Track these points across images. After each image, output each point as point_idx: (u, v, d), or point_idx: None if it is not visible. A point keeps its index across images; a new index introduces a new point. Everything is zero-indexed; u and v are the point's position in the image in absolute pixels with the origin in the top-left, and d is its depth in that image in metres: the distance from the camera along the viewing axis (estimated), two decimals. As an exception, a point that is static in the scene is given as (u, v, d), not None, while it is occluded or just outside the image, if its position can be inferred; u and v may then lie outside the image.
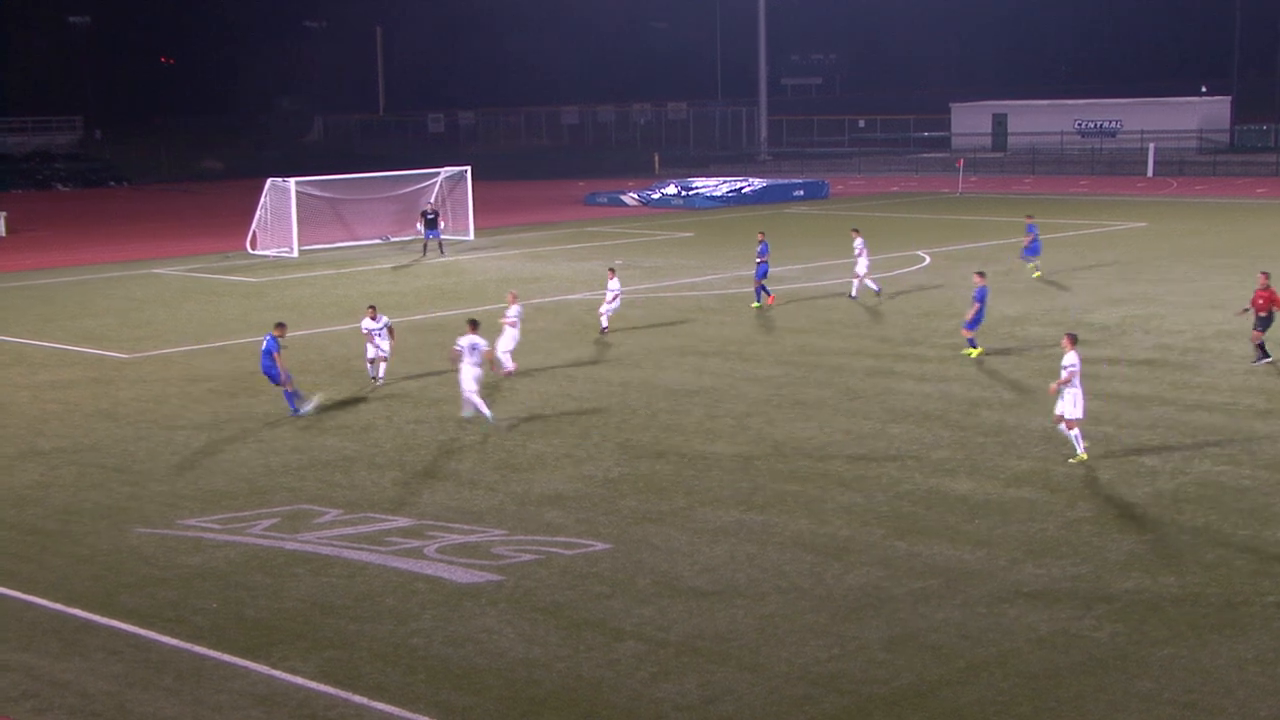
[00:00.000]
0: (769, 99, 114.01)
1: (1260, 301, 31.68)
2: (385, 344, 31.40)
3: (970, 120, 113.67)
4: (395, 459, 25.32)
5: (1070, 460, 23.94)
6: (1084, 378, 30.27)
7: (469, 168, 64.86)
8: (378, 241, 61.70)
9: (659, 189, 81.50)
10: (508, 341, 31.76)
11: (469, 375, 27.32)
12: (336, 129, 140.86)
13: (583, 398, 29.93)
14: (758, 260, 41.11)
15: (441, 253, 55.85)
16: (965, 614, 17.53)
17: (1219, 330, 35.51)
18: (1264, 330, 31.57)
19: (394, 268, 53.06)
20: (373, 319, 31.35)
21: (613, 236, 62.51)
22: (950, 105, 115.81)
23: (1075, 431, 23.86)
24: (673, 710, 15.10)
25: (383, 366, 31.65)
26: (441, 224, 57.31)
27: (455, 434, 26.99)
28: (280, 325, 28.92)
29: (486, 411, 27.51)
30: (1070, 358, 23.70)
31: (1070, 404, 23.68)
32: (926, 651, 16.38)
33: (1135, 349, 31.12)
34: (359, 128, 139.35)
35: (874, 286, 42.06)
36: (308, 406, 29.05)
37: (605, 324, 37.34)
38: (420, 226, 56.64)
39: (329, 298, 45.26)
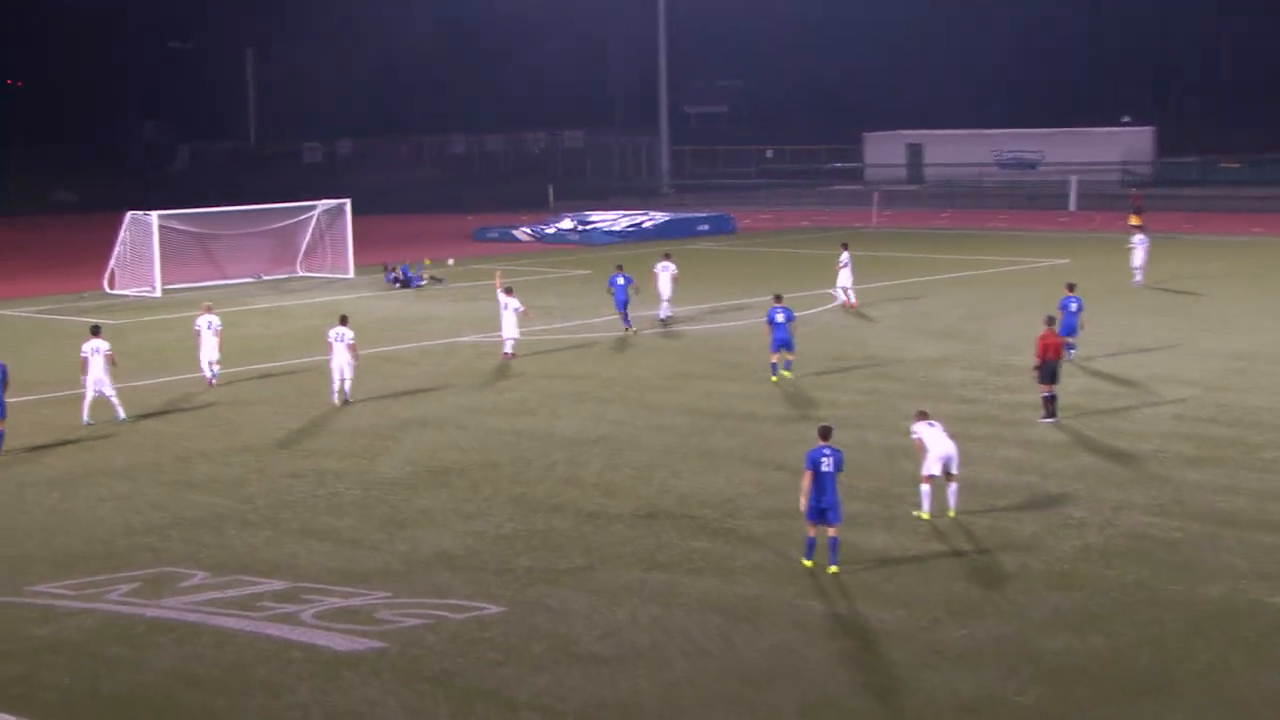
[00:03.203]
0: (671, 128, 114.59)
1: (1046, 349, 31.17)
2: (347, 357, 34.20)
3: (884, 150, 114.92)
4: (269, 516, 25.11)
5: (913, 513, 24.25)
6: (1009, 423, 30.68)
7: (348, 201, 64.44)
8: (249, 280, 61.20)
9: (553, 223, 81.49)
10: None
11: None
12: (204, 158, 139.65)
13: (473, 448, 29.82)
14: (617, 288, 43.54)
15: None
16: (884, 679, 17.62)
17: (1150, 374, 36.12)
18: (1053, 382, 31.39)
19: (266, 309, 52.61)
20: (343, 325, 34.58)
21: (505, 274, 62.23)
22: (862, 135, 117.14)
23: (925, 488, 24.20)
24: (572, 787, 15.00)
25: (349, 382, 34.36)
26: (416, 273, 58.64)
27: (335, 488, 26.84)
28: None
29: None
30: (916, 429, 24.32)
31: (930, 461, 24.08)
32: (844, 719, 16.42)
33: (1061, 392, 31.53)
34: (229, 157, 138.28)
35: (851, 299, 47.19)
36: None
37: (510, 350, 39.51)
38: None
39: (192, 342, 44.36)
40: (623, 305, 43.74)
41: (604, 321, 46.17)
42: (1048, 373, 31.06)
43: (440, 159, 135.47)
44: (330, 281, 61.00)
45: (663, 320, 45.59)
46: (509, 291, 40.27)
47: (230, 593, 21.10)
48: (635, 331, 43.81)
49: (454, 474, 27.73)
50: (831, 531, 21.59)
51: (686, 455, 28.82)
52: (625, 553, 22.64)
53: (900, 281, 55.96)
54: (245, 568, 22.22)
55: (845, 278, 48.36)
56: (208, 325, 37.13)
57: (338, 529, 24.29)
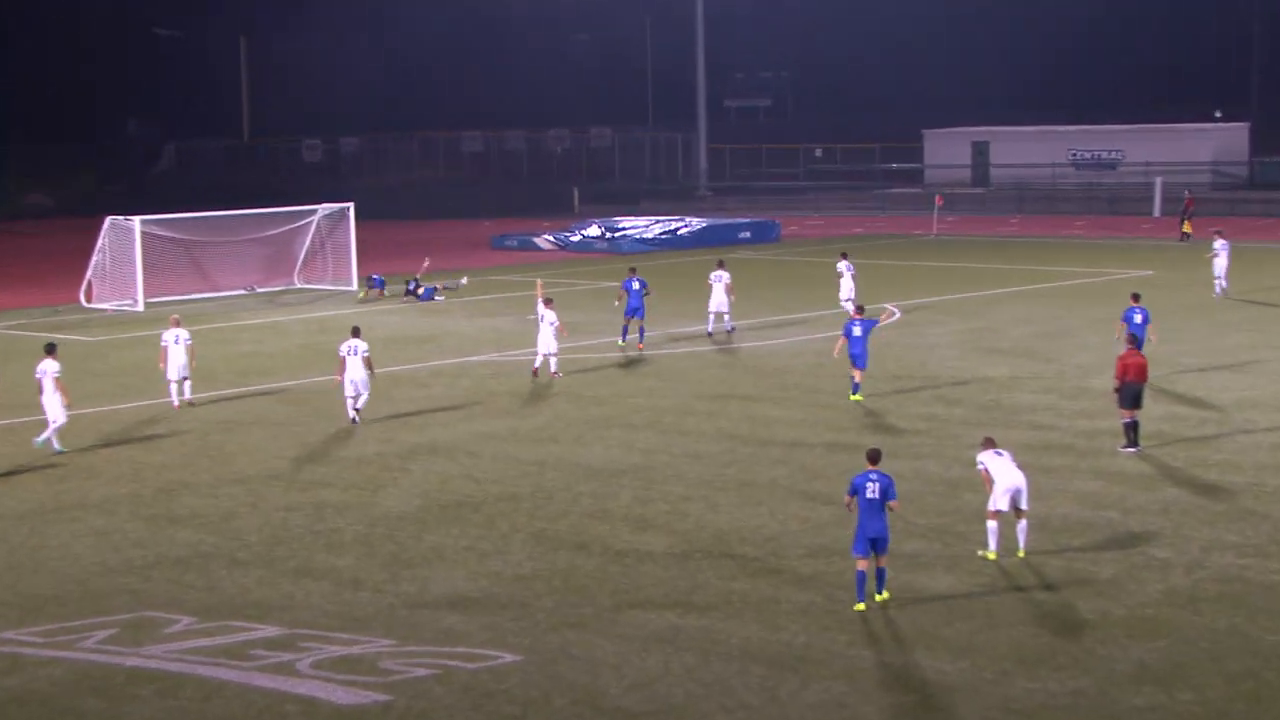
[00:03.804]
0: (710, 124, 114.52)
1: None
2: (362, 373, 34.65)
3: (947, 149, 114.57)
4: (262, 554, 25.10)
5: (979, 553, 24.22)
6: (1085, 452, 30.51)
7: (351, 205, 64.68)
8: (242, 292, 61.38)
9: (579, 230, 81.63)
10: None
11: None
12: (192, 157, 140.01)
13: (489, 479, 29.81)
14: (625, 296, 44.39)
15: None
16: (946, 737, 17.53)
17: (1240, 398, 35.92)
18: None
19: (265, 324, 52.78)
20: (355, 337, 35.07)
21: (524, 287, 62.35)
22: (923, 132, 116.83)
23: (992, 524, 24.11)
24: None
25: (363, 399, 34.96)
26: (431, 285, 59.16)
27: (335, 523, 26.83)
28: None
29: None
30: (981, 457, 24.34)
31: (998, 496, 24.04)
32: (901, 783, 16.37)
33: (1144, 419, 31.36)
34: (219, 156, 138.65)
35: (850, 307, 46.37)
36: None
37: (554, 367, 40.20)
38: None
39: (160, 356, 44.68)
40: (633, 313, 44.33)
41: (635, 339, 46.01)
42: (1129, 397, 30.84)
43: (454, 158, 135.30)
44: (331, 294, 61.16)
45: (727, 332, 46.93)
46: (549, 303, 40.61)
47: (218, 639, 21.08)
48: (637, 349, 44.30)
49: (467, 508, 27.74)
50: (880, 562, 21.87)
51: (725, 487, 28.79)
52: (657, 595, 22.60)
53: (964, 295, 55.81)
54: (235, 612, 22.21)
55: (846, 288, 49.46)
56: (175, 339, 37.37)
57: (338, 568, 24.28)
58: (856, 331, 36.23)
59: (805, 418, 34.89)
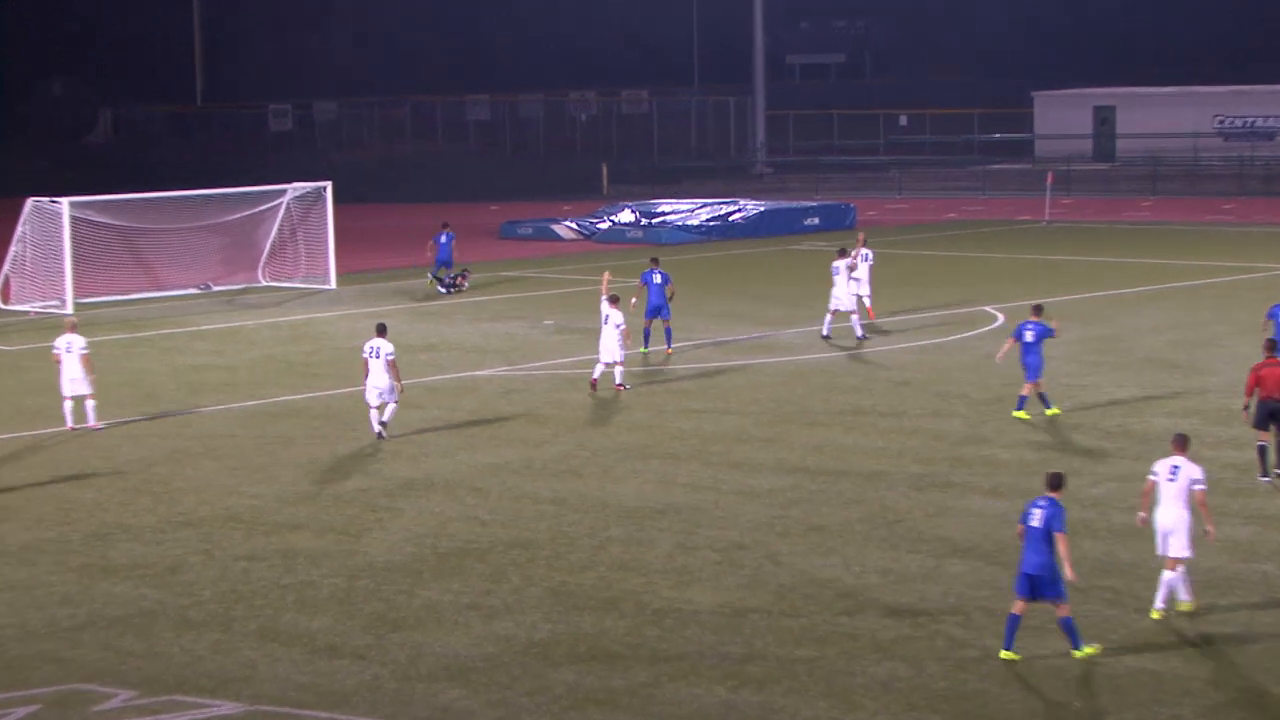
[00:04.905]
0: (769, 85, 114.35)
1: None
2: (385, 379, 35.61)
3: (1062, 116, 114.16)
4: (219, 613, 25.07)
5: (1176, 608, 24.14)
6: (1235, 491, 30.32)
7: (329, 184, 64.64)
8: (195, 292, 61.49)
9: (608, 215, 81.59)
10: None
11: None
12: (134, 126, 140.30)
13: (497, 521, 29.81)
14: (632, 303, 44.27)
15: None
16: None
17: None
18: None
19: (224, 329, 52.98)
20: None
21: (540, 284, 62.58)
22: (1033, 95, 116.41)
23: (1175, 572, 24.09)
24: None
25: (390, 410, 35.94)
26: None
27: (309, 575, 26.81)
28: None
29: None
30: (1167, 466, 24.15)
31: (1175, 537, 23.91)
32: None
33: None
34: (167, 125, 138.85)
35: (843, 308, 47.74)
36: None
37: (619, 378, 40.81)
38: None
39: (120, 374, 44.99)
40: (655, 312, 45.33)
41: (677, 350, 46.22)
42: (1263, 415, 30.93)
43: (456, 128, 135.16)
44: (304, 294, 61.26)
45: (858, 339, 47.11)
46: (614, 301, 40.90)
47: (164, 718, 21.04)
48: (665, 354, 44.90)
49: (471, 556, 27.69)
50: (1060, 610, 22.29)
51: (788, 531, 28.72)
52: (704, 665, 22.52)
53: (1083, 295, 55.52)
54: (184, 684, 22.17)
55: (861, 282, 49.76)
56: (67, 347, 37.56)
57: (311, 631, 24.22)
58: (1029, 336, 36.46)
59: (886, 446, 34.83)
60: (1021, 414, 36.76)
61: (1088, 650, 22.21)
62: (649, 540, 28.45)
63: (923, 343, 46.71)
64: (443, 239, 60.44)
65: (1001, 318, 49.52)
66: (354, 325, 52.86)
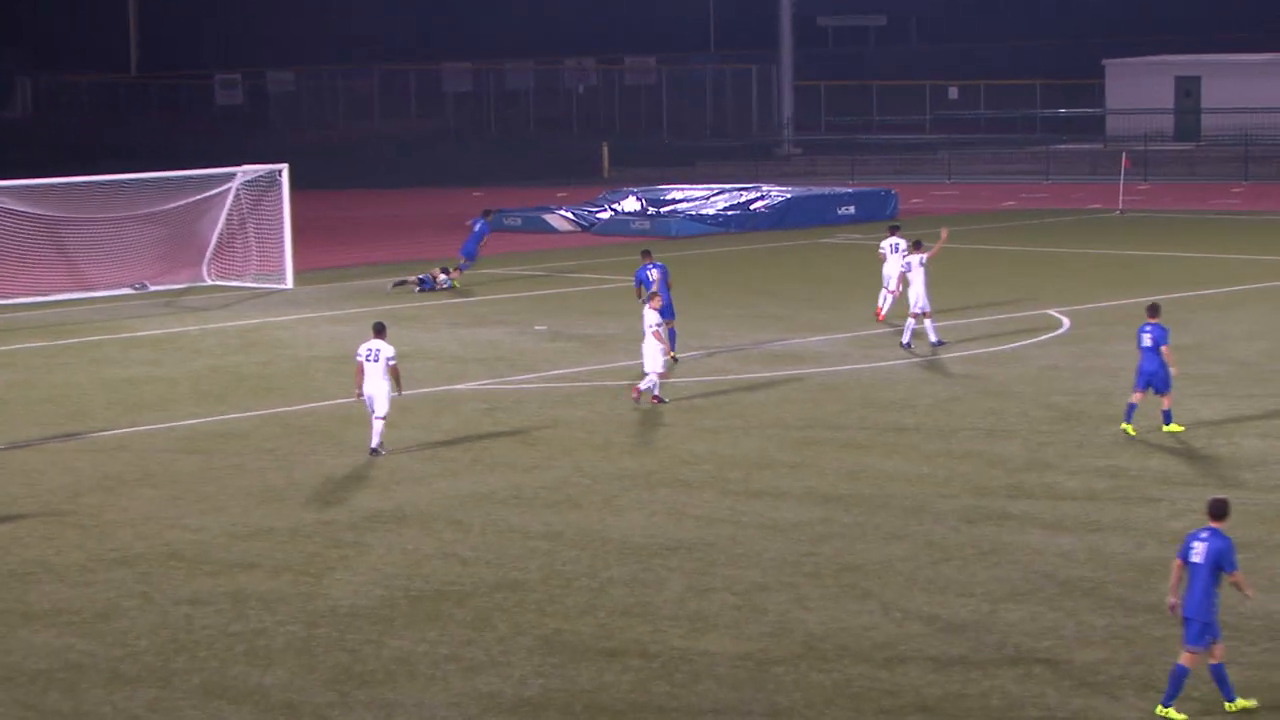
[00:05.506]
0: (798, 52, 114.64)
1: None
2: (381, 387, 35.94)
3: (1138, 88, 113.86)
4: (157, 666, 25.11)
5: None
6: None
7: (285, 167, 64.82)
8: (129, 291, 61.63)
9: (609, 204, 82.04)
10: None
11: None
12: (57, 98, 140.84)
13: (481, 559, 29.97)
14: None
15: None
16: None
17: None
18: None
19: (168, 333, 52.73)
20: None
21: (529, 284, 62.80)
22: (1104, 63, 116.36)
23: None
24: None
25: (378, 427, 36.26)
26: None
27: (261, 622, 26.87)
28: None
29: None
30: None
31: None
32: None
33: None
34: (97, 97, 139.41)
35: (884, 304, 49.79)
36: None
37: (655, 391, 41.06)
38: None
39: (42, 388, 45.43)
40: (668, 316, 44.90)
41: (687, 359, 46.49)
42: None
43: (432, 101, 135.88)
44: (256, 295, 61.41)
45: (933, 345, 47.14)
46: (653, 300, 41.39)
47: (90, 792, 21.15)
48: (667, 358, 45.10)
49: (450, 600, 27.75)
50: (1213, 655, 22.19)
51: (818, 571, 28.79)
52: (723, 727, 22.48)
53: (1162, 296, 54.59)
54: (116, 753, 22.23)
55: (891, 271, 50.10)
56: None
57: (264, 687, 24.24)
58: (1146, 341, 36.79)
59: (932, 473, 34.94)
60: (1128, 426, 36.79)
61: (1243, 704, 22.30)
62: (657, 581, 28.58)
63: (976, 351, 46.66)
64: (476, 226, 60.92)
65: (1067, 322, 49.99)
66: (313, 331, 53.40)
